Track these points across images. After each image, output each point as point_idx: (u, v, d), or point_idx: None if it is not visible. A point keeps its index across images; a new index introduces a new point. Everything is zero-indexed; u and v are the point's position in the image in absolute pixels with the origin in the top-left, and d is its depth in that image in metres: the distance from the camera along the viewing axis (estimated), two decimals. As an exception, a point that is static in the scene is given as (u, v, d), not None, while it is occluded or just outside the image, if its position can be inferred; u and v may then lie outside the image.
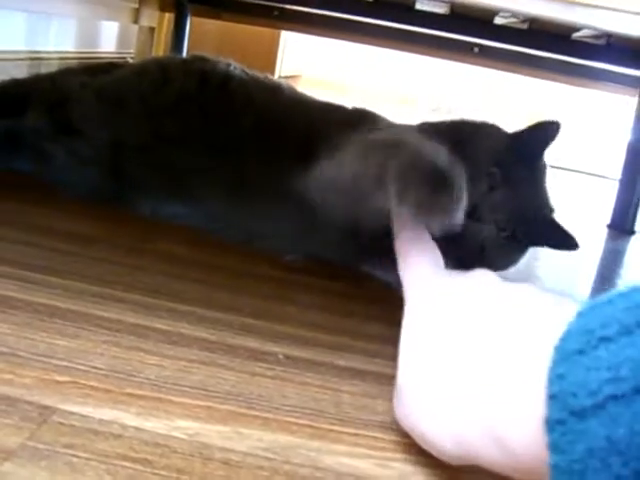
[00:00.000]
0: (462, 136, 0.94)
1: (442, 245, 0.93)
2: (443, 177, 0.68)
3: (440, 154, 0.73)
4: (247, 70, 1.15)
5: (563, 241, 0.97)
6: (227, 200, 0.99)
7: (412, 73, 3.60)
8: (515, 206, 0.93)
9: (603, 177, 2.63)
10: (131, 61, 2.36)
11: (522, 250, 0.99)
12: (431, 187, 0.67)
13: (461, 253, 0.93)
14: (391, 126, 1.04)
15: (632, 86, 1.92)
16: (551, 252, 1.47)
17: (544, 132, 0.97)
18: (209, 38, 2.61)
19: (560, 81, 2.13)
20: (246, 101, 1.06)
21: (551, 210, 0.99)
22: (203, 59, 1.15)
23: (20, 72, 1.68)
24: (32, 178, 1.07)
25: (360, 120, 1.03)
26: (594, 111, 3.23)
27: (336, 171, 0.87)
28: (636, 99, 1.82)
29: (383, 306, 0.89)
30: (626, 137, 1.83)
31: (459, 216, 0.69)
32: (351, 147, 0.86)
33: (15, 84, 1.20)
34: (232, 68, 1.13)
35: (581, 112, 3.27)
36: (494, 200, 0.92)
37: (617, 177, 1.85)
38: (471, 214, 0.90)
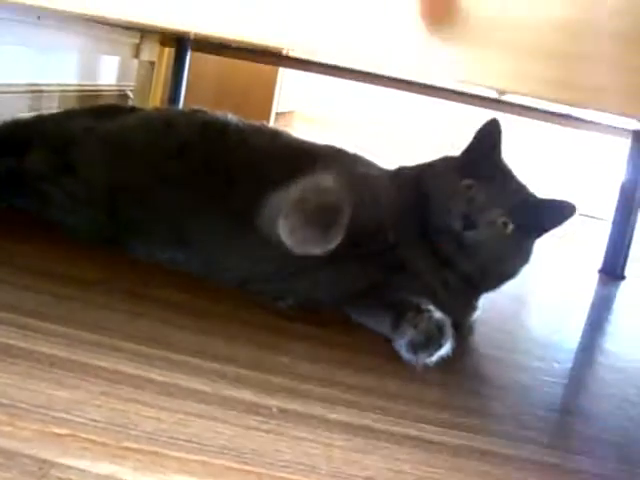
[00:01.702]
0: (426, 173, 1.06)
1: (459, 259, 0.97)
2: (317, 211, 0.81)
3: (326, 192, 0.86)
4: (244, 120, 1.18)
5: (562, 211, 1.03)
6: (223, 245, 1.01)
7: (407, 111, 3.64)
8: (505, 198, 1.00)
9: (596, 218, 2.65)
10: (131, 94, 2.39)
11: (531, 241, 1.05)
12: (304, 219, 0.80)
13: (471, 265, 0.99)
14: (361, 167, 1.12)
15: (624, 129, 1.94)
16: (540, 299, 1.50)
17: (489, 132, 1.06)
18: (208, 73, 2.64)
19: (553, 123, 2.15)
20: (243, 149, 1.09)
21: (534, 194, 1.05)
22: (202, 111, 1.18)
23: (21, 105, 1.71)
24: (33, 217, 1.09)
25: (336, 163, 1.10)
26: (588, 152, 3.26)
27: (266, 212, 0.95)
28: (629, 140, 1.85)
29: (373, 357, 0.92)
30: (619, 178, 1.85)
31: (330, 245, 0.81)
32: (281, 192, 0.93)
33: (18, 124, 1.22)
34: (229, 118, 1.16)
35: (575, 153, 3.30)
36: (483, 203, 0.98)
37: (610, 219, 1.86)
38: (466, 225, 0.95)
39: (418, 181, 1.04)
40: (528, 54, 0.67)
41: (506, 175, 1.05)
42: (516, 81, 0.68)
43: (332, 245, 0.80)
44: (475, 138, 1.07)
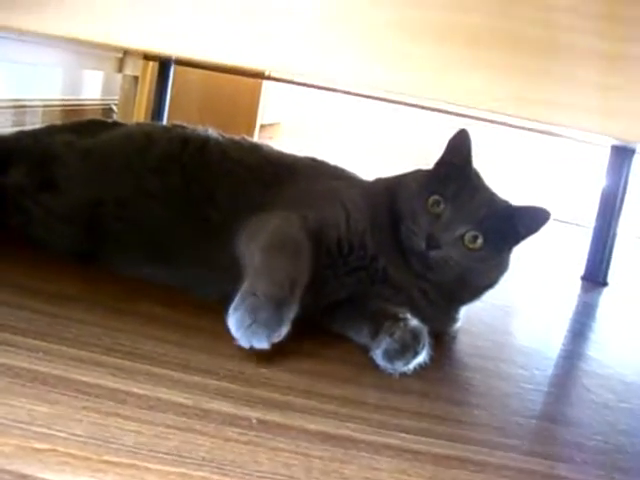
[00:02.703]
0: (397, 188, 1.06)
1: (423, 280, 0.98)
2: (264, 309, 0.80)
3: (280, 277, 0.85)
4: (224, 134, 1.19)
5: (536, 217, 1.02)
6: (203, 260, 1.01)
7: (393, 122, 3.64)
8: (473, 211, 1.00)
9: (577, 225, 2.67)
10: (115, 108, 2.39)
11: (507, 250, 1.05)
12: (252, 317, 0.80)
13: (443, 280, 1.00)
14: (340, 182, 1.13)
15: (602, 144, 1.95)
16: (523, 306, 1.51)
17: (458, 143, 1.06)
18: (192, 86, 2.65)
19: (532, 132, 2.17)
20: (223, 163, 1.10)
21: (506, 202, 1.05)
22: (183, 126, 1.19)
23: (4, 120, 1.71)
24: (15, 234, 1.09)
25: (318, 176, 1.13)
26: (568, 160, 3.27)
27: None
28: (608, 149, 1.86)
29: (352, 367, 0.92)
30: (600, 185, 1.87)
31: (275, 340, 0.81)
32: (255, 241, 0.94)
33: (-1, 140, 1.22)
34: (210, 132, 1.17)
35: (555, 161, 3.31)
36: (448, 220, 0.99)
37: (591, 225, 1.88)
38: (429, 245, 0.97)
39: (390, 196, 1.05)
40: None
41: (475, 186, 1.04)
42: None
43: (278, 340, 0.82)
44: (445, 150, 1.07)
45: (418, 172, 1.09)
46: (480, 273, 1.03)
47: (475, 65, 0.71)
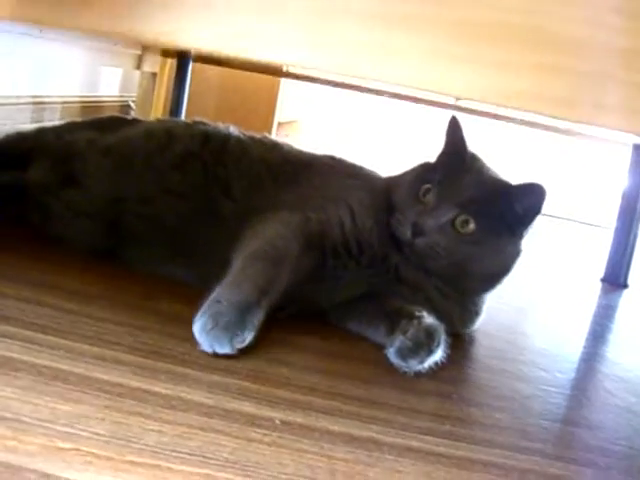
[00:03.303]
0: (394, 183, 1.07)
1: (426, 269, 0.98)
2: (227, 316, 0.82)
3: (247, 286, 0.86)
4: (245, 132, 1.18)
5: (531, 193, 1.00)
6: (222, 258, 1.01)
7: (408, 119, 3.63)
8: (459, 197, 0.98)
9: (598, 226, 2.65)
10: (133, 105, 2.39)
11: (510, 233, 1.02)
12: (213, 323, 0.81)
13: (438, 268, 0.99)
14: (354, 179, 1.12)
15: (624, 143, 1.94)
16: (542, 308, 1.49)
17: (450, 131, 1.06)
18: (210, 83, 2.64)
19: (552, 132, 2.16)
20: (243, 161, 1.10)
21: (507, 184, 1.03)
22: (204, 122, 1.18)
23: (24, 116, 1.71)
24: (36, 231, 1.09)
25: (333, 175, 1.13)
26: (589, 160, 3.26)
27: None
28: (630, 149, 1.85)
29: (374, 367, 0.92)
30: (621, 186, 1.85)
31: (238, 347, 0.82)
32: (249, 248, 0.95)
33: (20, 137, 1.22)
34: (231, 130, 1.17)
35: (576, 161, 3.30)
36: (433, 207, 0.98)
37: (612, 227, 1.86)
38: (414, 232, 0.96)
39: (390, 192, 1.05)
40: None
41: (467, 170, 1.02)
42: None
43: (242, 346, 0.82)
44: (444, 141, 1.07)
45: (419, 165, 1.08)
46: (480, 258, 1.00)
47: (500, 64, 0.70)
